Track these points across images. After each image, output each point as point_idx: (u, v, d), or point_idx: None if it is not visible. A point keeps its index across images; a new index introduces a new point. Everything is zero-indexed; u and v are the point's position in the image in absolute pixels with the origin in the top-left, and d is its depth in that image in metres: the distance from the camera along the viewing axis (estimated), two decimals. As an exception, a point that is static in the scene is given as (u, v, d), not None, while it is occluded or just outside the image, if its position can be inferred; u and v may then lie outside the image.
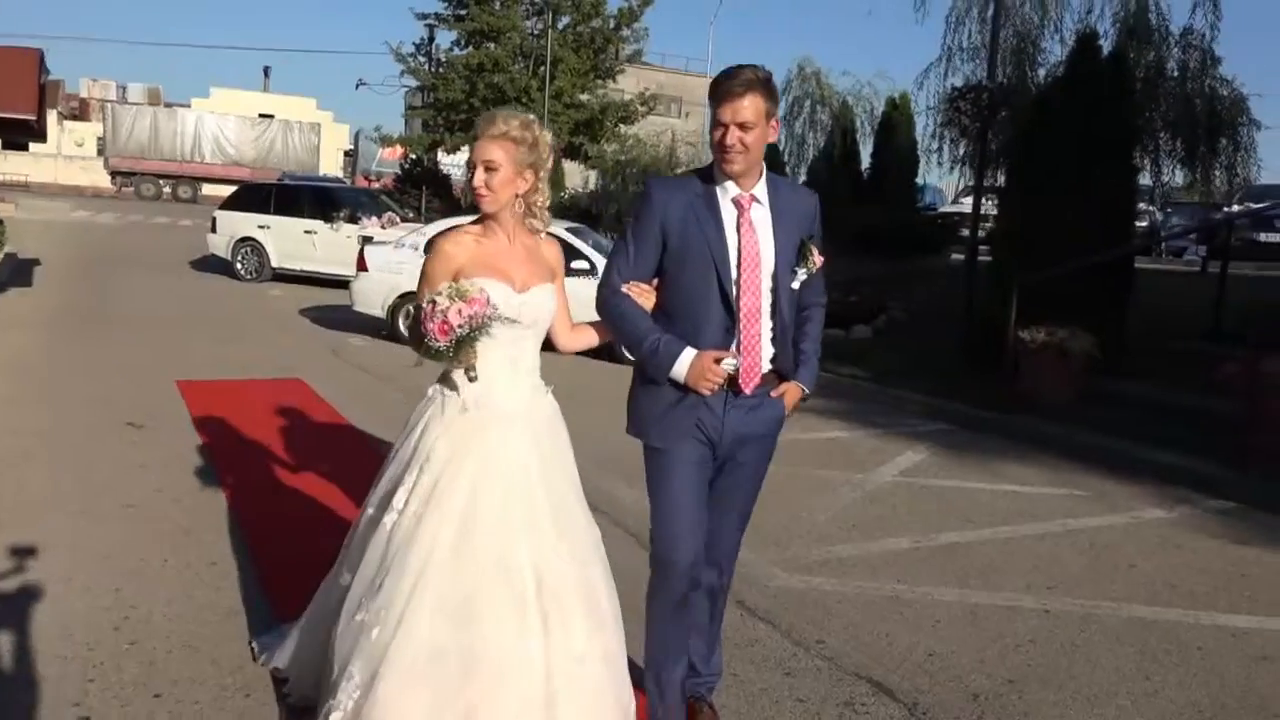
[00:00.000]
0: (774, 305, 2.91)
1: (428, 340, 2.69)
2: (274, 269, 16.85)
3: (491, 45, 24.96)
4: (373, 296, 11.47)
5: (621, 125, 26.59)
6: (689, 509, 2.95)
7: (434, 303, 2.66)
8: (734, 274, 2.85)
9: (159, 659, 3.53)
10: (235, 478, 5.71)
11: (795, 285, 2.95)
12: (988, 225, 21.19)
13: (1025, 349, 8.81)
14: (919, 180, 18.47)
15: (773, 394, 2.99)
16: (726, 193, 2.91)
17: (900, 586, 4.65)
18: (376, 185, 35.43)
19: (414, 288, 3.00)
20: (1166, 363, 9.26)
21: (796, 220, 2.97)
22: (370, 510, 2.94)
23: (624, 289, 2.92)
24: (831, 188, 16.94)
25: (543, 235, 3.00)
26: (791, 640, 4.01)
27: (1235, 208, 15.28)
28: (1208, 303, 10.31)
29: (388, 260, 11.38)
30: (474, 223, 2.95)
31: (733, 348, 2.88)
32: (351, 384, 8.85)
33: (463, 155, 22.19)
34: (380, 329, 11.48)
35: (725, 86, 2.80)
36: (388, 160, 40.98)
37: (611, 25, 25.58)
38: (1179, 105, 12.38)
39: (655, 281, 2.95)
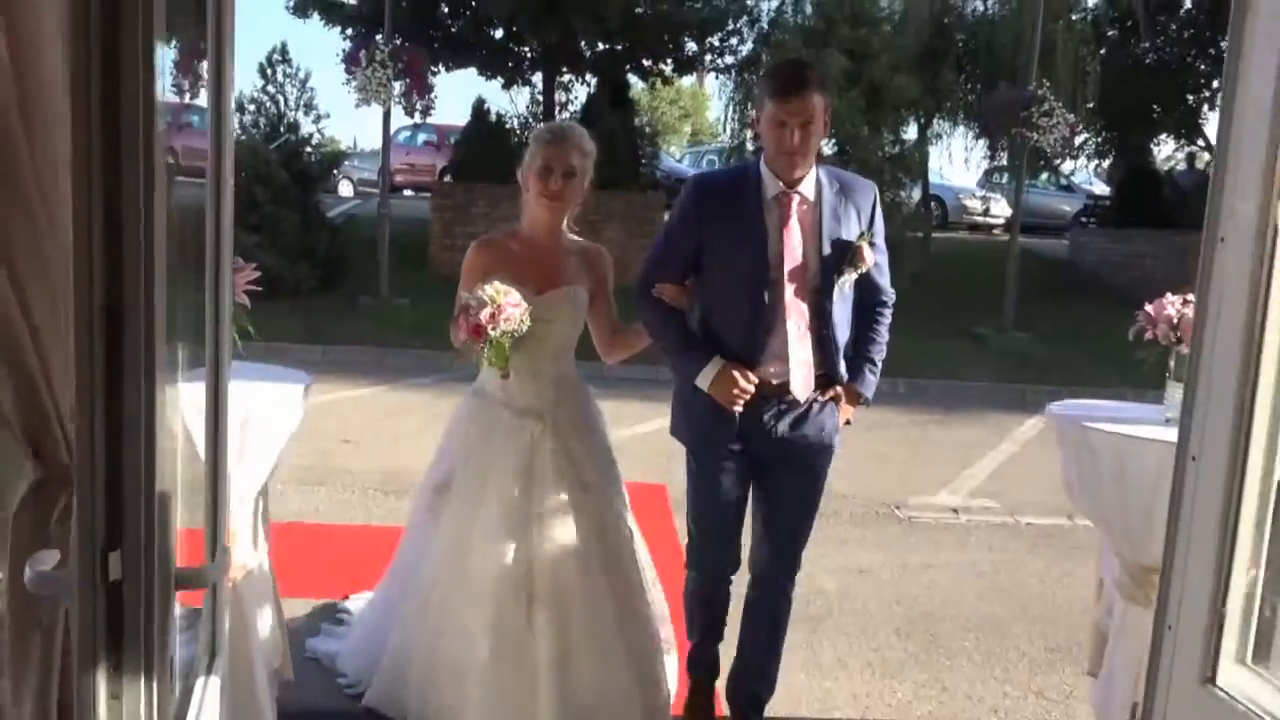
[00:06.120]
0: (818, 308, 2.75)
1: (462, 340, 2.67)
2: None
3: None
4: None
5: None
6: (718, 518, 2.91)
7: (468, 306, 2.62)
8: (770, 276, 2.71)
9: None
10: None
11: (845, 288, 2.79)
12: None
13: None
14: None
15: (820, 399, 2.79)
16: (770, 190, 2.74)
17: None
18: None
19: None
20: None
21: (849, 216, 2.79)
22: (422, 508, 3.15)
23: (656, 291, 2.82)
24: None
25: (585, 243, 2.99)
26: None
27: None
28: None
29: None
30: (512, 227, 2.95)
31: (767, 354, 2.73)
32: None
33: None
34: None
35: (785, 84, 2.67)
36: None
37: None
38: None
39: (689, 283, 2.84)
